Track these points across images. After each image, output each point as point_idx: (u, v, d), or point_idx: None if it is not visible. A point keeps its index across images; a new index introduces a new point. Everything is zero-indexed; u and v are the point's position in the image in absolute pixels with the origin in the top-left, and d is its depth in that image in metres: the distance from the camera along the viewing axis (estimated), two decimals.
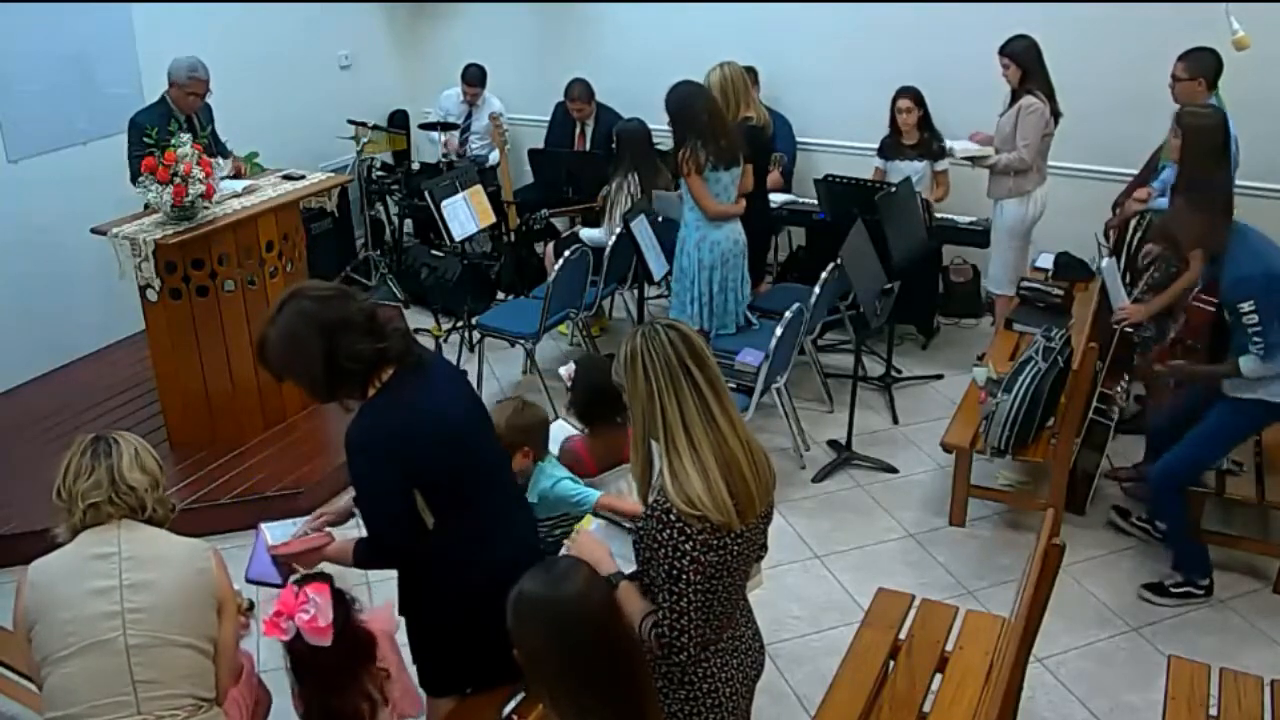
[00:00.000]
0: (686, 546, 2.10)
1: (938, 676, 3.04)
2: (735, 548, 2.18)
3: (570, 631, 1.87)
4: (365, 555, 2.64)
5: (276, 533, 2.75)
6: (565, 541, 2.64)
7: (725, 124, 4.84)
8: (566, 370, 3.29)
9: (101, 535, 2.31)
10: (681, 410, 2.14)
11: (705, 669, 2.26)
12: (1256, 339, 3.56)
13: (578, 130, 6.81)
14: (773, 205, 5.93)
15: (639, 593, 2.23)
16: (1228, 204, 3.66)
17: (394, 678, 2.64)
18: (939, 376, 5.68)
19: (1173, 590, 3.97)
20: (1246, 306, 3.52)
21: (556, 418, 5.10)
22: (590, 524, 2.68)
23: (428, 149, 7.45)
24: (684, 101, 4.75)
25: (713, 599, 2.19)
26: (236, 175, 5.25)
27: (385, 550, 2.60)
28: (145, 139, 4.48)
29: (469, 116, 7.05)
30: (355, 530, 2.67)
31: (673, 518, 2.10)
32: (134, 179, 4.64)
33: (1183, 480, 3.89)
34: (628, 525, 2.67)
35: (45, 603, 2.28)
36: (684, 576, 2.12)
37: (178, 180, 4.34)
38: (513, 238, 6.64)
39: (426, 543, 2.57)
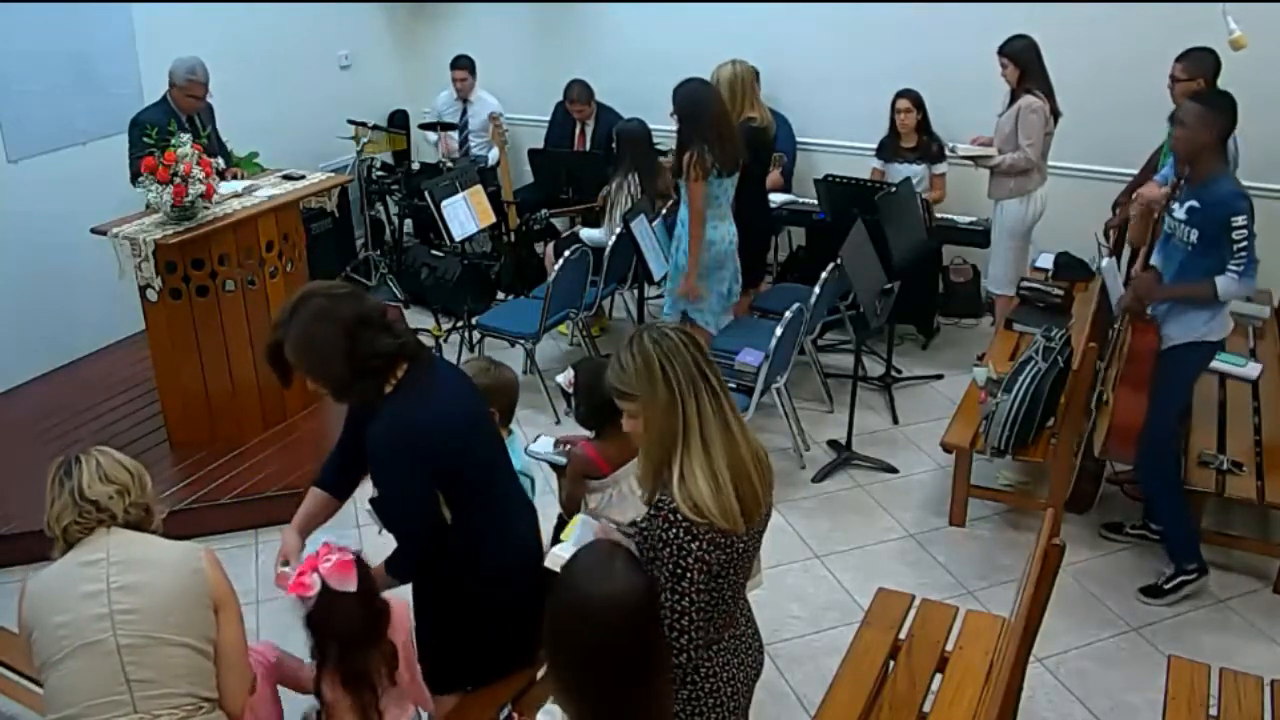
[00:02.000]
0: (692, 546, 2.10)
1: (938, 676, 3.04)
2: (740, 547, 2.18)
3: (622, 625, 1.86)
4: (399, 567, 2.62)
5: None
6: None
7: (732, 128, 4.83)
8: (565, 377, 3.29)
9: (91, 544, 2.34)
10: (700, 416, 2.12)
11: (708, 668, 2.26)
12: (1241, 254, 3.60)
13: (578, 130, 6.81)
14: (773, 205, 5.93)
15: None
16: (1228, 138, 3.74)
17: (405, 659, 2.62)
18: (939, 376, 5.68)
19: (1166, 588, 3.98)
20: (1239, 220, 3.57)
21: (558, 421, 5.14)
22: (577, 525, 2.65)
23: (428, 149, 7.45)
24: (694, 100, 4.73)
25: (716, 599, 2.19)
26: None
27: (417, 553, 2.60)
28: (145, 138, 4.48)
29: (464, 113, 7.04)
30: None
31: (679, 517, 2.09)
32: (134, 179, 4.64)
33: (1162, 453, 3.92)
34: (613, 527, 2.67)
35: (40, 609, 2.31)
36: (688, 575, 2.11)
37: (178, 180, 4.34)
38: (513, 238, 6.64)
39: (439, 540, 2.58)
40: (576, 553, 2.04)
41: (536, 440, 3.39)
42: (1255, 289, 3.81)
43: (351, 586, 2.46)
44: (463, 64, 6.88)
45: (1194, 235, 3.70)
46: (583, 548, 2.09)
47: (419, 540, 2.56)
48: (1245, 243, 3.60)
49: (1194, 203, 3.69)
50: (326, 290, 2.50)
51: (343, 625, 2.47)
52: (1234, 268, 3.63)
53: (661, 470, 2.17)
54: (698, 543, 2.10)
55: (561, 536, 2.55)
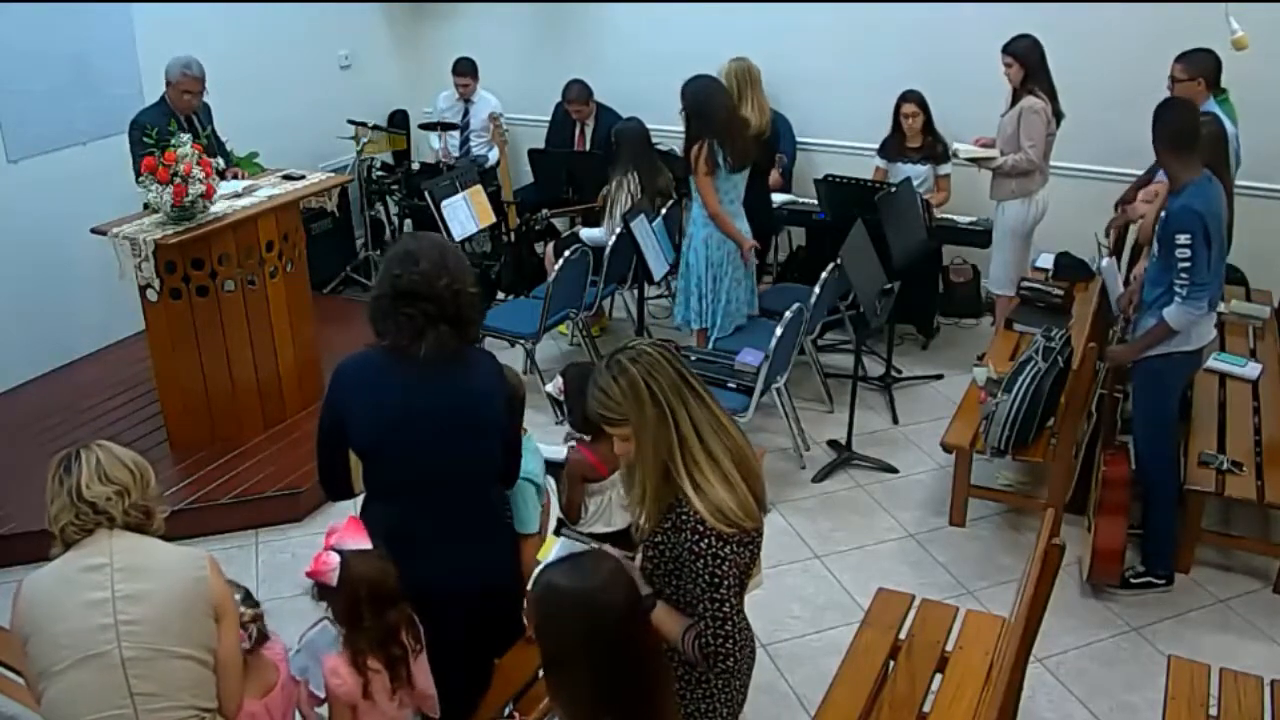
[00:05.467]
0: (725, 551, 2.10)
1: (938, 676, 3.04)
2: (759, 540, 2.20)
3: (599, 620, 1.87)
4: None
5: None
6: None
7: (741, 125, 4.82)
8: (555, 385, 3.28)
9: (93, 547, 2.28)
10: (694, 422, 2.12)
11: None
12: (1183, 275, 3.54)
13: (578, 130, 6.81)
14: (773, 205, 5.93)
15: (674, 610, 2.22)
16: (1197, 140, 3.64)
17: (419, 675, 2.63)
18: (939, 376, 5.68)
19: (1133, 582, 3.99)
20: (1183, 239, 3.51)
21: (559, 420, 5.12)
22: (554, 545, 2.62)
23: (428, 149, 7.45)
24: (703, 95, 4.73)
25: (742, 599, 2.19)
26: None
27: (318, 470, 2.76)
28: (145, 139, 4.47)
29: (466, 114, 7.04)
30: None
31: (707, 528, 2.09)
32: (139, 178, 4.64)
33: (1161, 466, 3.92)
34: (594, 545, 2.66)
35: (39, 616, 2.25)
36: (724, 582, 2.11)
37: (178, 180, 4.34)
38: (513, 238, 6.64)
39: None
40: (555, 560, 2.06)
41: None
42: (1205, 312, 3.69)
43: (366, 544, 2.49)
44: (464, 69, 6.87)
45: (1156, 246, 3.69)
46: (561, 555, 2.10)
47: (318, 458, 2.74)
48: (1189, 263, 3.52)
49: (1164, 214, 3.67)
50: (437, 255, 2.59)
51: (370, 575, 2.47)
52: (1179, 289, 3.57)
53: (660, 489, 2.15)
54: (729, 547, 2.11)
55: (539, 557, 2.52)
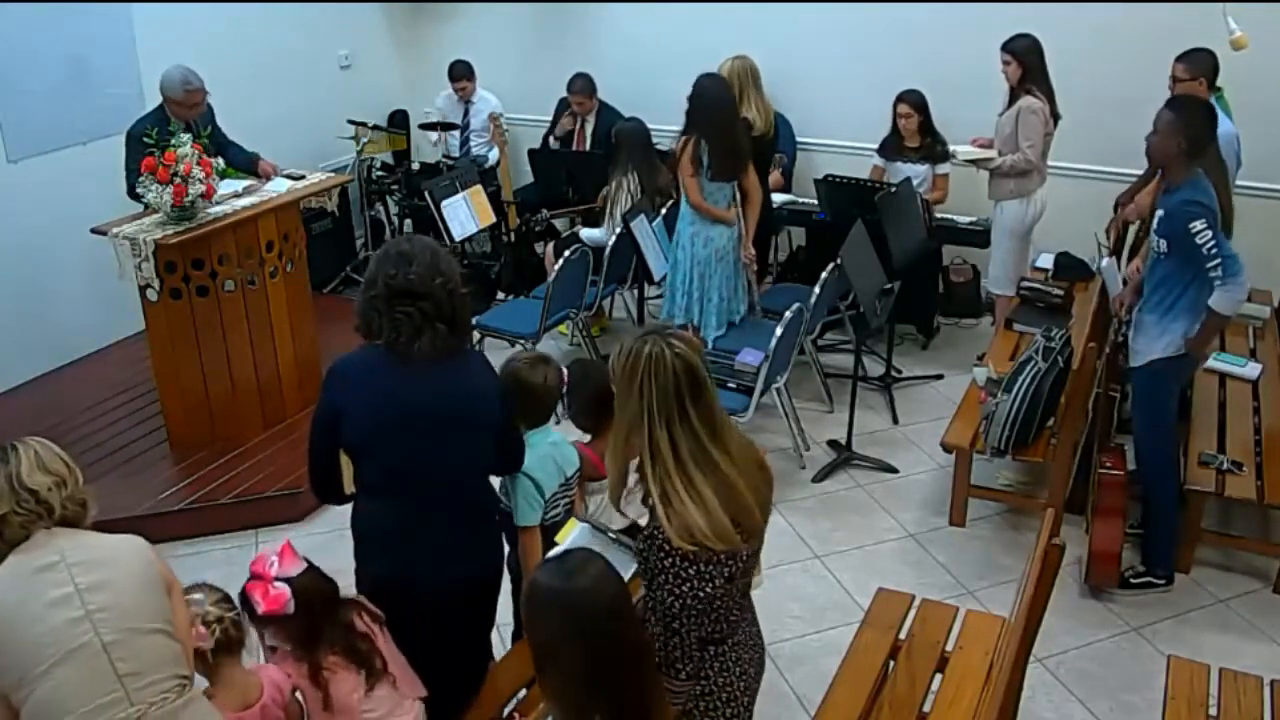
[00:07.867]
0: (690, 572, 2.05)
1: (938, 676, 3.04)
2: (742, 564, 2.15)
3: (582, 622, 1.87)
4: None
5: None
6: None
7: (737, 141, 4.81)
8: None
9: (39, 549, 2.27)
10: (674, 443, 2.05)
11: (720, 664, 2.25)
12: (1214, 257, 3.53)
13: (578, 128, 6.81)
14: (773, 205, 5.93)
15: None
16: (1203, 148, 3.64)
17: (389, 657, 2.63)
18: (939, 376, 5.68)
19: (1132, 581, 3.99)
20: (1199, 225, 3.51)
21: (558, 421, 5.12)
22: (573, 529, 2.63)
23: (428, 149, 7.45)
24: (708, 95, 4.72)
25: (715, 617, 2.16)
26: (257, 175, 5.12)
27: (309, 471, 2.77)
28: (145, 139, 4.47)
29: (466, 114, 7.04)
30: None
31: (672, 547, 2.04)
32: (131, 192, 4.61)
33: (1161, 465, 3.91)
34: (612, 534, 2.66)
35: (4, 627, 2.22)
36: (680, 602, 2.06)
37: (178, 180, 4.34)
38: (513, 238, 6.64)
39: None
40: (548, 556, 2.05)
41: None
42: (1246, 284, 3.68)
43: (303, 565, 2.55)
44: (460, 73, 6.87)
45: (1163, 245, 3.68)
46: (555, 554, 2.09)
47: (310, 458, 2.73)
48: (1213, 245, 3.53)
49: (1162, 211, 3.67)
50: (430, 256, 2.60)
51: (315, 587, 2.53)
52: (1214, 276, 3.57)
53: (625, 476, 2.13)
54: (695, 568, 2.05)
55: (557, 540, 2.53)
